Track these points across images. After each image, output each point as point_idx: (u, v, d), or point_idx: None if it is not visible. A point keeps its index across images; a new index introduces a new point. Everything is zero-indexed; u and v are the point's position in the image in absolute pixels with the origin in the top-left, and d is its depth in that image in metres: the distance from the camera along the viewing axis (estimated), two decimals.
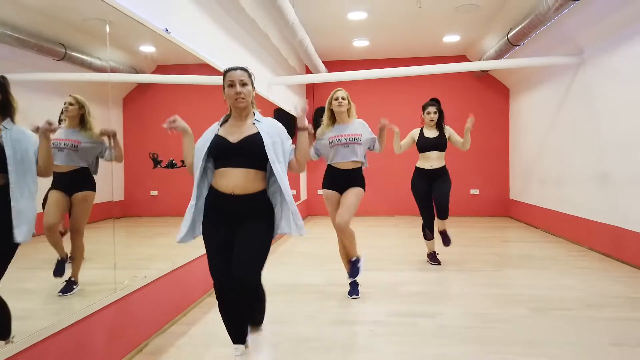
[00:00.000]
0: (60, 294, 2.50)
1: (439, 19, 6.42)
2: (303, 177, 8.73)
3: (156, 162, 3.68)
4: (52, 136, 2.20)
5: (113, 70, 3.77)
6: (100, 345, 2.31)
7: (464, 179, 8.15)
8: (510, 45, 6.26)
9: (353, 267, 3.61)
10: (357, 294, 3.61)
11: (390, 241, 6.15)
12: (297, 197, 8.27)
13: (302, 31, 5.54)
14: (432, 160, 4.59)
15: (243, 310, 2.29)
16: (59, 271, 2.53)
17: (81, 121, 2.63)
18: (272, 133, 2.28)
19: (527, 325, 2.99)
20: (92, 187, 2.66)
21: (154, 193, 4.84)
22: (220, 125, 2.34)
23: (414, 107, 8.60)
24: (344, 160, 3.55)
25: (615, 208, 4.91)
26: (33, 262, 2.57)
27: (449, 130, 4.65)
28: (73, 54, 3.71)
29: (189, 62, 4.31)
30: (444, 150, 4.61)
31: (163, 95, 4.97)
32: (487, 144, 8.40)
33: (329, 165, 3.68)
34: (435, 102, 4.67)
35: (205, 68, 4.12)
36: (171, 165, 3.69)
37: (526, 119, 7.67)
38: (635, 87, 4.49)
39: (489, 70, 8.19)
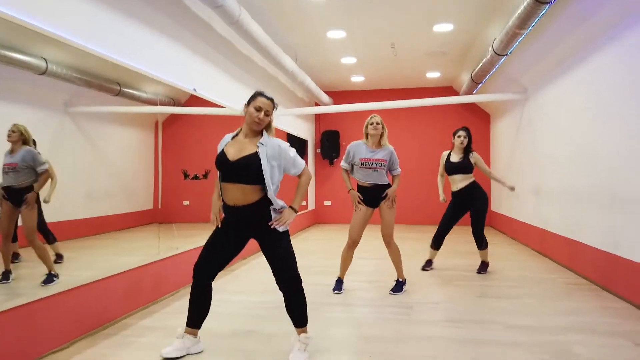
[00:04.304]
0: (43, 284, 3.03)
1: (416, 62, 7.85)
2: (312, 188, 10.22)
3: (186, 176, 5.23)
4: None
5: (152, 101, 5.15)
6: (149, 287, 3.85)
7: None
8: (474, 83, 7.63)
9: (397, 286, 4.22)
10: (401, 290, 4.21)
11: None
12: (305, 207, 9.76)
13: (301, 75, 7.09)
14: (457, 183, 4.99)
15: (208, 303, 2.75)
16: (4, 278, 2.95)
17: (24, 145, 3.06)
18: (272, 156, 2.56)
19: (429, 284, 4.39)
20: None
21: (186, 202, 6.31)
22: (232, 138, 2.67)
23: (406, 132, 10.02)
24: (374, 182, 4.08)
25: (541, 214, 6.22)
26: None
27: (475, 157, 5.00)
28: (126, 90, 5.17)
29: None
30: (468, 173, 4.97)
31: (195, 119, 6.49)
32: None
33: (358, 185, 4.18)
34: (465, 129, 5.05)
35: None
36: (195, 177, 5.23)
37: (500, 142, 8.95)
38: (558, 119, 5.79)
39: None
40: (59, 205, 3.93)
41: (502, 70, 6.95)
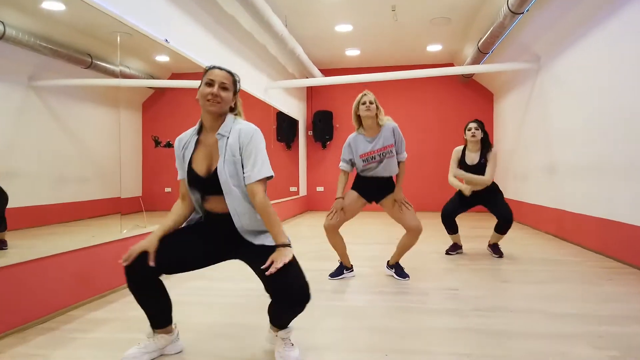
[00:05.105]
0: None
1: (418, 30, 7.18)
2: (303, 173, 9.54)
3: (157, 143, 4.53)
4: None
5: (131, 76, 4.57)
6: (107, 272, 3.17)
7: None
8: (481, 54, 6.98)
9: (401, 270, 3.60)
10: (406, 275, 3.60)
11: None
12: (296, 193, 9.09)
13: (292, 41, 6.38)
14: (475, 185, 4.37)
15: (162, 294, 2.06)
16: None
17: None
18: (234, 148, 1.94)
19: (441, 267, 3.75)
20: None
21: (168, 189, 5.67)
22: (196, 141, 2.04)
23: (402, 113, 9.40)
24: (378, 175, 3.44)
25: (558, 193, 5.61)
26: None
27: (492, 156, 4.30)
28: (98, 62, 4.54)
29: (201, 70, 5.12)
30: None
31: (177, 99, 5.83)
32: None
33: (359, 175, 3.55)
34: (477, 121, 4.38)
35: None
36: (168, 145, 4.53)
37: (505, 121, 8.34)
38: (576, 88, 5.17)
39: (472, 76, 8.91)
40: (22, 189, 3.45)
41: (513, 38, 6.32)
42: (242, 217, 1.95)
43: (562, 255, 4.52)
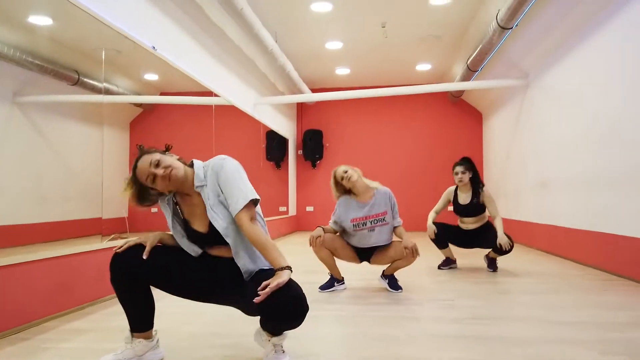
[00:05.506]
0: None
1: (407, 48, 7.22)
2: (292, 193, 9.43)
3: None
4: None
5: (118, 95, 4.47)
6: (87, 283, 3.00)
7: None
8: (470, 72, 7.03)
9: (394, 282, 3.45)
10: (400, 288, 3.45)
11: None
12: (285, 213, 8.95)
13: (282, 57, 6.37)
14: (468, 224, 4.39)
15: (147, 295, 1.97)
16: None
17: None
18: (214, 190, 1.85)
19: (440, 280, 3.62)
20: None
21: (154, 210, 5.52)
22: (175, 204, 1.96)
23: (393, 132, 9.41)
24: (369, 246, 3.40)
25: (550, 209, 5.56)
26: None
27: (486, 195, 4.22)
28: (85, 80, 4.46)
29: (189, 89, 5.05)
30: (481, 214, 4.31)
31: (165, 119, 5.73)
32: None
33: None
34: (464, 161, 4.28)
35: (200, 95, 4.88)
36: None
37: (493, 141, 8.36)
38: (567, 102, 5.18)
39: (461, 96, 8.97)
40: (3, 207, 3.31)
41: (502, 55, 6.37)
42: (239, 256, 1.86)
43: (559, 269, 4.44)
